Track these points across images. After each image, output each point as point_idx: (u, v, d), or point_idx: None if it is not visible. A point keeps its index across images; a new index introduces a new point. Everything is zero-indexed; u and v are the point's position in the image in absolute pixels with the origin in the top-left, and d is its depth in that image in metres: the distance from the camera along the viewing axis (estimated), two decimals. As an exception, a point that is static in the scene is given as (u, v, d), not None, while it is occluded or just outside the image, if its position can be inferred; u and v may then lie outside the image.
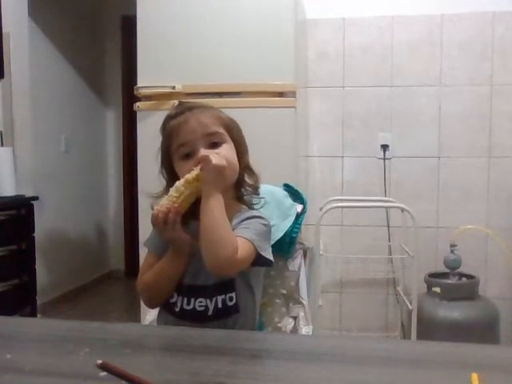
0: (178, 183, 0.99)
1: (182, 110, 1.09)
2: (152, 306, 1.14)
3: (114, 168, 4.46)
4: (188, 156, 1.05)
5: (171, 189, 0.99)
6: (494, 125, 2.58)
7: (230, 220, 1.06)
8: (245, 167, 1.12)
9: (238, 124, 1.14)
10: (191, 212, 1.07)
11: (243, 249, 0.98)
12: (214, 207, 0.97)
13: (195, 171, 0.98)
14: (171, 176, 1.09)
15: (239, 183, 1.11)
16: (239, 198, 1.12)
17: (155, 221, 0.99)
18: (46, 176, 3.44)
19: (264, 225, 1.07)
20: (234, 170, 1.07)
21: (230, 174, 1.05)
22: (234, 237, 0.98)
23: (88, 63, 4.10)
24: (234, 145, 1.09)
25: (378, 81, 2.66)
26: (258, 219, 1.07)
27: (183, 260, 1.05)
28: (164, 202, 0.99)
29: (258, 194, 1.14)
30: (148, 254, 1.12)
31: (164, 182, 1.12)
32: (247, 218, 1.06)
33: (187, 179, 0.98)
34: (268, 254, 1.05)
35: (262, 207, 1.15)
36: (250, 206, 1.13)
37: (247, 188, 1.12)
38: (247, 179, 1.12)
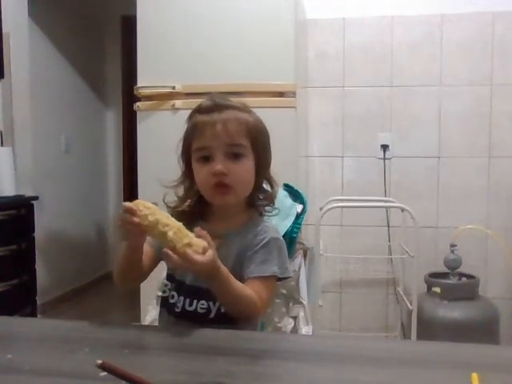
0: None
1: (213, 107, 1.05)
2: (121, 286, 1.08)
3: (113, 168, 4.46)
4: (206, 159, 1.04)
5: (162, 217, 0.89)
6: (494, 125, 2.58)
7: (240, 226, 1.08)
8: (265, 178, 1.10)
9: (266, 130, 1.11)
10: (199, 212, 1.09)
11: (265, 292, 1.01)
12: (223, 284, 0.95)
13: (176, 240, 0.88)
14: (187, 166, 1.09)
15: (254, 192, 1.10)
16: (251, 205, 1.12)
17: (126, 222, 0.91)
18: (46, 176, 3.44)
19: (281, 244, 1.08)
20: (245, 187, 1.07)
21: (241, 191, 1.06)
22: (249, 296, 0.98)
23: (88, 63, 4.09)
24: (256, 157, 1.07)
25: (377, 81, 2.66)
26: (272, 243, 1.06)
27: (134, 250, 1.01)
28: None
29: (273, 205, 1.13)
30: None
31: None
32: (263, 246, 1.04)
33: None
34: (288, 272, 1.08)
35: (276, 215, 1.15)
36: (262, 214, 1.12)
37: (262, 198, 1.11)
38: (265, 186, 1.12)
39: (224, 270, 0.94)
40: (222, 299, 0.99)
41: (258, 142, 1.07)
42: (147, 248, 1.04)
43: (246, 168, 1.05)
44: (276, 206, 1.16)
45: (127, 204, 0.90)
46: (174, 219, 0.91)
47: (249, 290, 0.99)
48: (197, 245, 0.87)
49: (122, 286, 1.07)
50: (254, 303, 0.98)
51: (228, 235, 1.07)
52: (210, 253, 0.89)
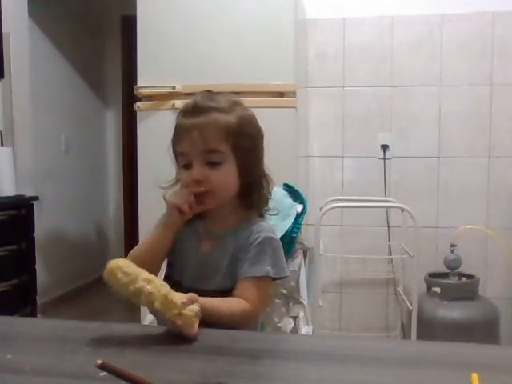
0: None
1: (194, 109, 1.04)
2: None
3: (114, 168, 4.46)
4: (187, 166, 1.04)
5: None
6: (494, 125, 2.58)
7: (236, 226, 1.07)
8: (254, 178, 1.08)
9: (254, 130, 1.07)
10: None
11: (259, 293, 1.01)
12: (208, 316, 0.90)
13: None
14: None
15: (246, 193, 1.08)
16: (247, 207, 1.10)
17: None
18: (46, 176, 3.44)
19: (275, 244, 1.07)
20: (224, 193, 1.05)
21: (220, 196, 1.04)
22: (237, 312, 0.97)
23: (88, 63, 4.09)
24: (238, 161, 1.04)
25: (377, 81, 2.66)
26: (266, 242, 1.05)
27: (169, 234, 1.06)
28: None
29: (266, 204, 1.11)
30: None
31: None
32: (257, 245, 1.04)
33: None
34: (284, 272, 1.07)
35: (276, 215, 1.14)
36: (262, 214, 1.12)
37: (256, 198, 1.09)
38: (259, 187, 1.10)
39: (206, 304, 0.89)
40: (212, 322, 0.95)
41: (240, 145, 1.03)
42: None
43: (224, 174, 1.03)
44: (276, 206, 1.16)
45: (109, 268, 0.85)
46: (155, 280, 0.85)
47: (237, 305, 0.98)
48: (187, 315, 0.82)
49: None
50: (245, 314, 0.98)
51: (223, 235, 1.08)
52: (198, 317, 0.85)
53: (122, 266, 0.84)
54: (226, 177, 1.04)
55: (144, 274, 0.85)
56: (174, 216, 1.04)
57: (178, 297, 0.83)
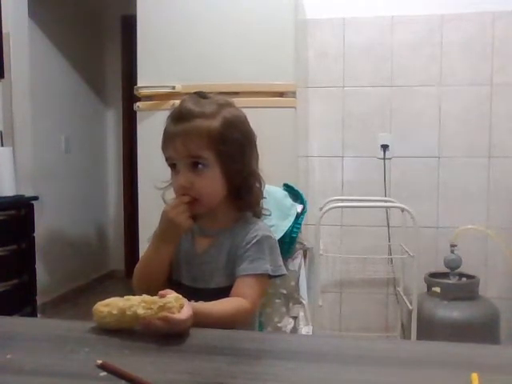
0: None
1: (179, 115, 1.03)
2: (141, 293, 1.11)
3: (114, 168, 4.46)
4: (174, 166, 1.04)
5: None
6: (494, 125, 2.58)
7: (231, 225, 1.08)
8: (244, 180, 1.07)
9: (239, 135, 1.05)
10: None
11: (256, 290, 1.01)
12: (205, 320, 0.89)
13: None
14: None
15: (237, 195, 1.08)
16: (239, 207, 1.10)
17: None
18: (46, 176, 3.44)
19: (272, 242, 1.07)
20: (210, 198, 1.05)
21: (206, 202, 1.04)
22: (234, 312, 0.96)
23: (88, 63, 4.09)
24: (225, 165, 1.03)
25: (377, 81, 2.66)
26: (264, 241, 1.05)
27: (170, 248, 1.06)
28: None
29: (257, 205, 1.11)
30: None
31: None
32: (255, 243, 1.04)
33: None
34: (281, 270, 1.07)
35: (269, 215, 1.14)
36: (255, 214, 1.12)
37: (247, 199, 1.09)
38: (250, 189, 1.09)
39: (200, 309, 0.89)
40: (211, 327, 0.94)
41: (223, 151, 1.02)
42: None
43: (209, 180, 1.03)
44: (275, 205, 1.16)
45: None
46: (131, 297, 0.86)
47: (232, 304, 0.97)
48: (168, 302, 0.83)
49: (142, 290, 1.06)
50: (243, 311, 0.98)
51: (218, 234, 1.08)
52: (186, 305, 0.85)
53: (100, 303, 0.86)
54: (211, 183, 1.04)
55: (120, 299, 0.86)
56: (175, 231, 1.04)
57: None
